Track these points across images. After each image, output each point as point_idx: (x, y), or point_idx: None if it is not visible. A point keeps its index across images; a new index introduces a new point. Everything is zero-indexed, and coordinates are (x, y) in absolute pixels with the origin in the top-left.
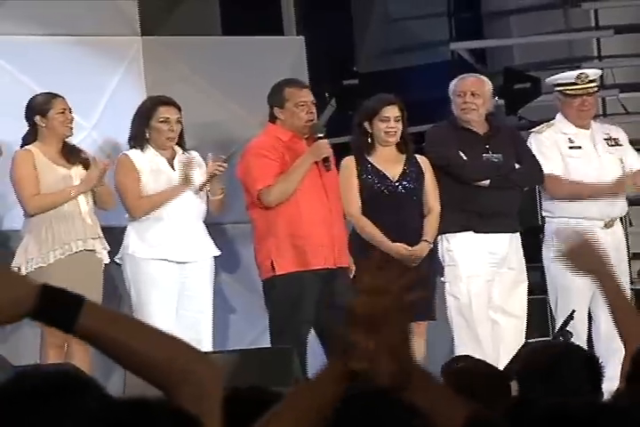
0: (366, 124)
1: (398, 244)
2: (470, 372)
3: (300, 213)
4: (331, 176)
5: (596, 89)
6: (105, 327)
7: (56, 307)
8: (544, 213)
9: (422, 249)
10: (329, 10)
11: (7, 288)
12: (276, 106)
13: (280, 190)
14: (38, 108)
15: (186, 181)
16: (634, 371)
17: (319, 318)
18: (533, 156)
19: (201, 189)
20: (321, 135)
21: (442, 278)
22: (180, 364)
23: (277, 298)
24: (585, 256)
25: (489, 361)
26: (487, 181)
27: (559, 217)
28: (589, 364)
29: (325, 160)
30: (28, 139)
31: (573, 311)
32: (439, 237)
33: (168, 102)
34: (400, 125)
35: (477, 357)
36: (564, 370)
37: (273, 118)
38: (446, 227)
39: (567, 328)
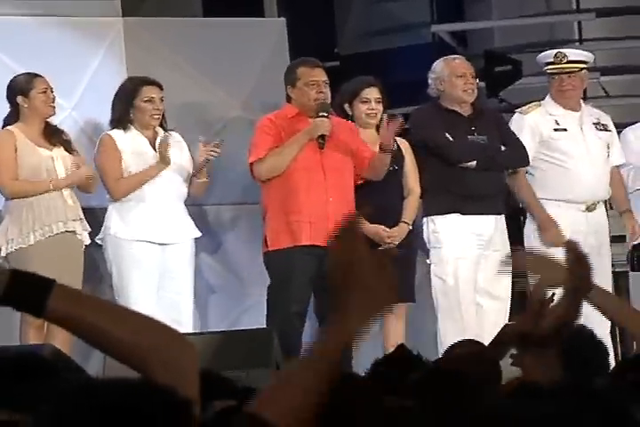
0: (347, 107)
1: (377, 225)
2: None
3: (292, 190)
4: (332, 155)
5: (576, 70)
6: (75, 310)
7: (25, 292)
8: None
9: (401, 230)
10: None
11: None
12: (288, 85)
13: (270, 164)
14: (20, 87)
15: (164, 160)
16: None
17: (316, 303)
18: (517, 138)
19: (195, 175)
20: (324, 114)
21: (427, 260)
22: (154, 344)
23: (271, 273)
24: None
25: None
26: (474, 163)
27: (540, 198)
28: (595, 343)
29: (321, 138)
30: (10, 120)
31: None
32: (424, 218)
33: (151, 82)
34: (380, 107)
35: (461, 337)
36: (571, 350)
37: (288, 97)
38: (432, 209)
39: None
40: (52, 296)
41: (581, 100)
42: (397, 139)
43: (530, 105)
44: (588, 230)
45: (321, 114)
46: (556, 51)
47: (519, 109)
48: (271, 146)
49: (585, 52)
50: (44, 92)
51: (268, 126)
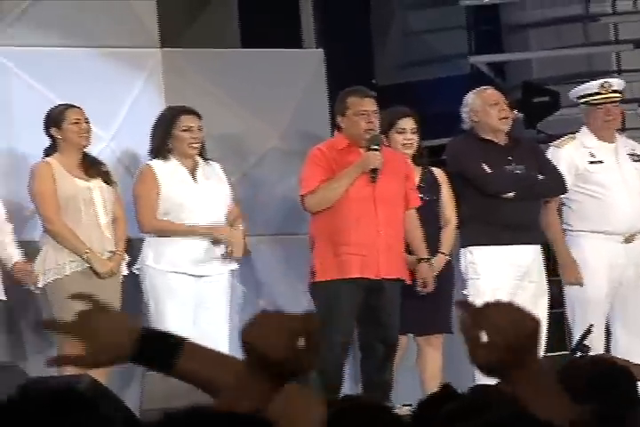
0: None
1: (414, 256)
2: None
3: (343, 222)
4: (384, 187)
5: (619, 99)
6: (202, 368)
7: (155, 351)
8: (564, 226)
9: (439, 262)
10: (348, 22)
11: (110, 332)
12: (338, 114)
13: (321, 197)
14: (53, 119)
15: (213, 236)
16: None
17: (360, 332)
18: (555, 166)
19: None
20: (376, 147)
21: (464, 292)
22: (284, 407)
23: (317, 304)
24: None
25: None
26: (512, 193)
27: (578, 231)
28: (619, 370)
29: (373, 172)
30: (50, 151)
31: (591, 326)
32: (462, 250)
33: (189, 111)
34: (416, 137)
35: None
36: (605, 388)
37: (338, 126)
38: (470, 240)
39: (585, 342)
40: (182, 355)
41: (615, 132)
42: (434, 168)
43: (564, 138)
44: (627, 262)
45: (373, 147)
46: (602, 81)
47: (554, 143)
48: (322, 178)
49: (620, 81)
50: (77, 122)
51: (318, 158)
